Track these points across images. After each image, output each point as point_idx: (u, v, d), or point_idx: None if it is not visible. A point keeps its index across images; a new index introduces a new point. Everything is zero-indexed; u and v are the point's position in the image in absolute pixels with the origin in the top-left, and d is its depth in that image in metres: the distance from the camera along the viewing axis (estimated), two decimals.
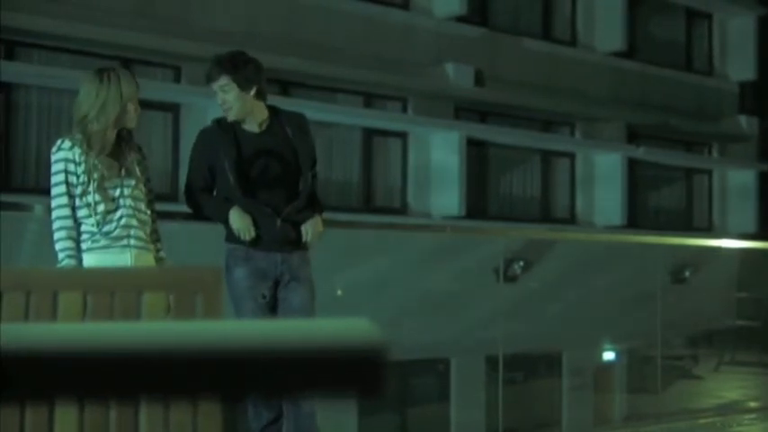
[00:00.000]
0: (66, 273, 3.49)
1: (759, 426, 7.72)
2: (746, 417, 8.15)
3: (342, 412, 7.57)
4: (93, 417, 2.32)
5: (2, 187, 11.21)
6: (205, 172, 4.72)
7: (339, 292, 8.69)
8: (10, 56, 12.13)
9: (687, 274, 10.28)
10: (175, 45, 12.79)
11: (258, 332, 0.92)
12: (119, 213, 4.25)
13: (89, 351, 0.84)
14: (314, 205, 4.80)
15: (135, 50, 12.69)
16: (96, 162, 4.22)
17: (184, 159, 5.90)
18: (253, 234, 4.60)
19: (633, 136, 18.86)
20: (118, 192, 4.27)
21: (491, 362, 8.54)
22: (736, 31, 20.90)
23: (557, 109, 17.43)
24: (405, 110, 15.92)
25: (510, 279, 8.71)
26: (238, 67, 4.65)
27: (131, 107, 4.31)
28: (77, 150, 4.22)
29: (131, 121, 4.34)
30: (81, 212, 4.22)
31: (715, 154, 21.09)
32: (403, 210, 15.51)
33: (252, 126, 4.72)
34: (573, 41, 18.26)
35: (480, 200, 16.42)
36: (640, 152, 18.40)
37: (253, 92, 4.67)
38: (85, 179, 4.21)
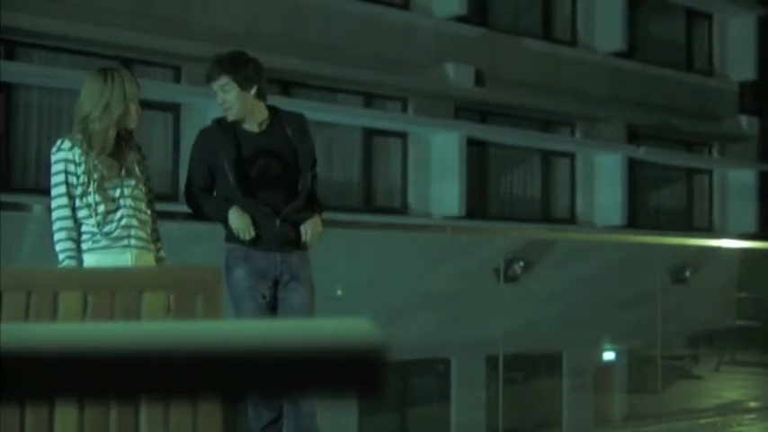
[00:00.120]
0: (66, 273, 3.49)
1: (759, 426, 7.72)
2: (746, 417, 8.15)
3: (342, 412, 7.57)
4: (93, 417, 2.32)
5: (2, 187, 11.21)
6: (205, 172, 4.72)
7: (339, 292, 8.69)
8: (10, 56, 12.13)
9: (687, 274, 10.29)
10: (175, 45, 12.79)
11: (258, 332, 0.92)
12: (119, 213, 4.25)
13: (89, 351, 0.84)
14: (314, 205, 4.80)
15: (135, 50, 12.68)
16: (96, 162, 4.21)
17: (184, 159, 5.90)
18: (252, 234, 4.60)
19: (633, 136, 18.86)
20: (118, 192, 4.27)
21: (491, 362, 8.55)
22: (736, 31, 20.90)
23: (557, 109, 17.43)
24: (405, 110, 15.92)
25: (510, 279, 8.71)
26: (239, 66, 4.65)
27: (133, 108, 4.31)
28: (77, 151, 4.22)
29: (132, 121, 4.34)
30: (81, 213, 4.22)
31: (715, 154, 21.08)
32: (403, 210, 15.50)
33: (252, 126, 4.72)
34: (573, 41, 18.25)
35: (480, 200, 16.42)
36: (640, 152, 18.40)
37: (253, 91, 4.67)
38: (86, 179, 4.20)
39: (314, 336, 0.91)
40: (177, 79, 13.41)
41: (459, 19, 16.13)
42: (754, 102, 21.16)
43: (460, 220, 15.26)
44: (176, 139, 13.13)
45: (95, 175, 4.20)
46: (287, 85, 14.08)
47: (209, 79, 4.70)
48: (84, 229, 4.22)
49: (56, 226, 4.21)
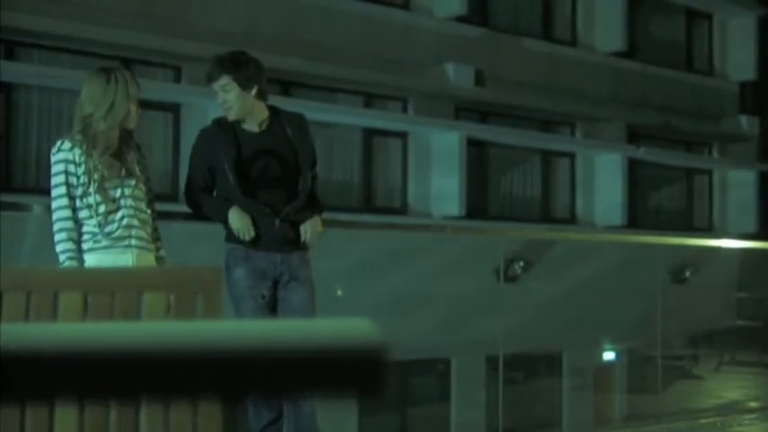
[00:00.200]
0: (66, 273, 3.49)
1: (759, 426, 7.72)
2: (746, 417, 8.15)
3: (342, 412, 7.57)
4: (93, 417, 2.32)
5: (2, 187, 11.21)
6: (205, 172, 4.72)
7: (339, 293, 8.69)
8: (10, 56, 12.13)
9: (687, 274, 10.28)
10: (176, 45, 12.79)
11: (258, 332, 0.92)
12: (120, 214, 4.25)
13: (89, 351, 0.84)
14: (313, 205, 4.80)
15: (135, 50, 12.68)
16: (97, 162, 4.22)
17: (185, 159, 5.90)
18: (252, 234, 4.61)
19: (633, 136, 18.86)
20: (119, 192, 4.27)
21: (491, 362, 8.55)
22: (736, 31, 20.90)
23: (557, 109, 17.43)
24: (405, 110, 15.92)
25: (510, 279, 8.71)
26: (239, 66, 4.66)
27: (133, 108, 4.32)
28: (77, 151, 4.22)
29: (132, 121, 4.35)
30: (82, 213, 4.21)
31: (715, 154, 21.08)
32: (403, 210, 15.50)
33: (252, 126, 4.72)
34: (573, 41, 18.25)
35: (480, 200, 16.42)
36: (641, 152, 18.40)
37: (254, 91, 4.67)
38: (86, 180, 4.20)
39: (314, 336, 0.91)
40: (177, 79, 13.41)
41: (460, 19, 16.13)
42: (755, 102, 21.16)
43: (460, 220, 15.26)
44: (176, 139, 13.13)
45: (96, 176, 4.20)
46: (287, 85, 14.08)
47: (210, 79, 4.70)
48: (85, 229, 4.21)
49: (56, 227, 4.21)
